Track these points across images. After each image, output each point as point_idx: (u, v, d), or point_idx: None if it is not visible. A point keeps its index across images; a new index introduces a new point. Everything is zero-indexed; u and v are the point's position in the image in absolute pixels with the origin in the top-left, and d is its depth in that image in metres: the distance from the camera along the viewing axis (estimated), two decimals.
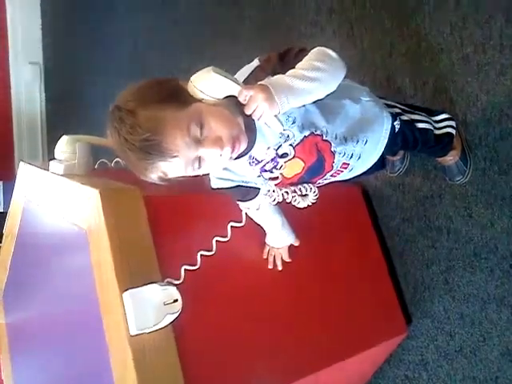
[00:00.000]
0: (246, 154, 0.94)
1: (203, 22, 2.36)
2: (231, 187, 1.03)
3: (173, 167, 0.84)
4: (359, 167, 1.11)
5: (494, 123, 1.37)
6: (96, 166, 1.28)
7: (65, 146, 1.19)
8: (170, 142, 0.80)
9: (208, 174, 1.00)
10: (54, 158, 1.20)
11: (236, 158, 0.91)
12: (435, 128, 1.28)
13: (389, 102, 1.17)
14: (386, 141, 1.10)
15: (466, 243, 1.43)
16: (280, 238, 1.22)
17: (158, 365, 0.93)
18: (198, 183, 1.39)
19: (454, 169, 1.42)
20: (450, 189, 1.47)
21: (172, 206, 1.13)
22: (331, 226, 1.44)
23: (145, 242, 1.01)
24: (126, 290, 0.93)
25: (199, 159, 0.85)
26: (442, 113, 1.34)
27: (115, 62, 2.90)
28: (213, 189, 1.03)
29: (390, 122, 1.10)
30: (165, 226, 1.07)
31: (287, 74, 0.88)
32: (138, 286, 0.94)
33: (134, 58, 2.76)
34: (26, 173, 1.31)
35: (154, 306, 0.93)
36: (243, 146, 0.88)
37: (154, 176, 0.86)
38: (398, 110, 1.17)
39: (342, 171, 1.08)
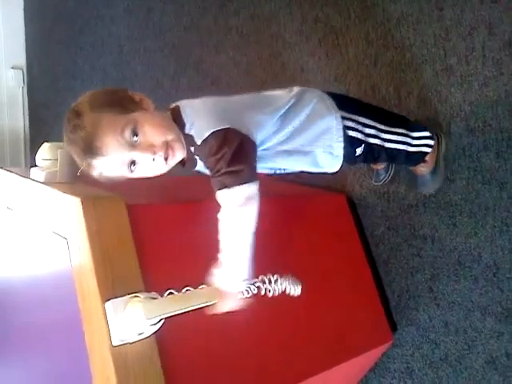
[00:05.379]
0: (190, 170, 1.03)
1: (189, 31, 2.36)
2: None
3: (106, 167, 0.93)
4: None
5: (477, 133, 1.39)
6: (78, 174, 1.26)
7: (46, 153, 1.16)
8: (102, 142, 0.89)
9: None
10: (36, 165, 1.18)
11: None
12: (410, 145, 1.27)
13: (366, 122, 1.15)
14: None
15: (450, 252, 1.44)
16: None
17: (140, 376, 0.91)
18: (190, 190, 1.38)
19: (419, 179, 1.45)
20: (435, 198, 1.48)
21: (158, 215, 1.11)
22: (317, 234, 1.44)
23: (127, 252, 0.99)
24: (109, 299, 0.91)
25: (134, 162, 0.93)
26: (423, 129, 1.32)
27: (100, 68, 2.87)
28: None
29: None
30: (149, 235, 1.05)
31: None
32: (120, 296, 0.92)
33: (119, 65, 2.74)
34: (5, 180, 1.28)
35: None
36: (179, 154, 0.96)
37: (94, 174, 0.95)
38: (372, 132, 1.16)
39: None
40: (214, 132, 0.91)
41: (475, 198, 1.40)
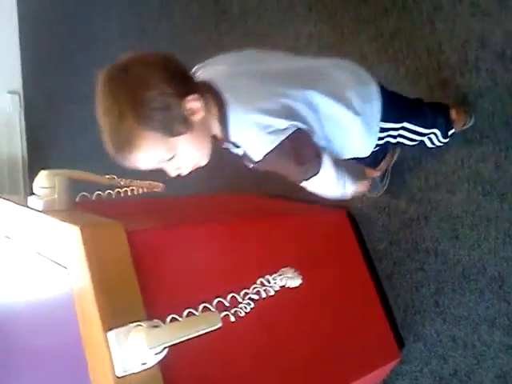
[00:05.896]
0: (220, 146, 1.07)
1: (182, 50, 2.37)
2: None
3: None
4: None
5: (475, 145, 1.39)
6: (77, 200, 1.25)
7: (43, 181, 1.15)
8: (132, 157, 0.92)
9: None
10: (33, 193, 1.17)
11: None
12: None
13: (395, 126, 1.15)
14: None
15: (454, 265, 1.43)
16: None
17: None
18: (190, 212, 1.37)
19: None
20: (436, 211, 1.47)
21: (158, 240, 1.10)
22: (319, 251, 1.42)
23: (128, 279, 0.97)
24: (111, 329, 0.89)
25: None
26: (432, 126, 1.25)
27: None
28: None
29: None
30: (150, 261, 1.04)
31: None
32: (122, 325, 0.90)
33: None
34: (3, 209, 1.27)
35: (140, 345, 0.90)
36: (201, 165, 1.02)
37: None
38: (394, 133, 1.16)
39: None
40: (267, 155, 0.96)
41: (476, 210, 1.39)
